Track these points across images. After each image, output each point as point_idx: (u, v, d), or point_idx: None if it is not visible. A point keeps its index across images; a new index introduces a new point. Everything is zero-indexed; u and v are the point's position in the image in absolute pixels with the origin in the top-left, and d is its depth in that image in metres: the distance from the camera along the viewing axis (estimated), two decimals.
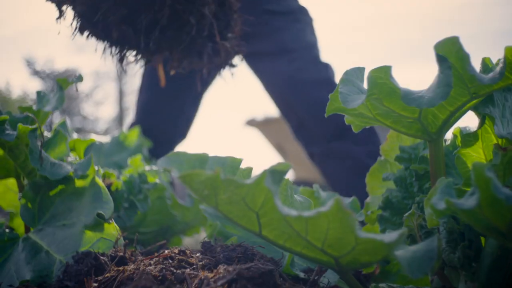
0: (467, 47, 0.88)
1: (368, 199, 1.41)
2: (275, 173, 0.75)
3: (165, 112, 2.85)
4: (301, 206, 1.03)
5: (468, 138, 1.08)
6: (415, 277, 0.71)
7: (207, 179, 0.72)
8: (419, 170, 1.22)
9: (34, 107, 1.58)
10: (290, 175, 10.05)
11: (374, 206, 1.36)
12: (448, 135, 1.23)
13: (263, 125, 8.88)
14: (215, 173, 0.72)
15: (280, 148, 9.33)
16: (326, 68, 2.54)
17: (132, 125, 2.91)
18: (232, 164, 0.90)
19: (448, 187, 0.79)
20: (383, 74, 0.95)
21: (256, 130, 9.08)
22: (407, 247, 0.81)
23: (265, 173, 0.72)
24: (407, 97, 0.92)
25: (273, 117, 8.59)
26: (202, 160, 0.83)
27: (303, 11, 2.62)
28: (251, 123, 8.84)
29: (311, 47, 2.56)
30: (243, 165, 0.98)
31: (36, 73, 25.11)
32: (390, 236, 0.72)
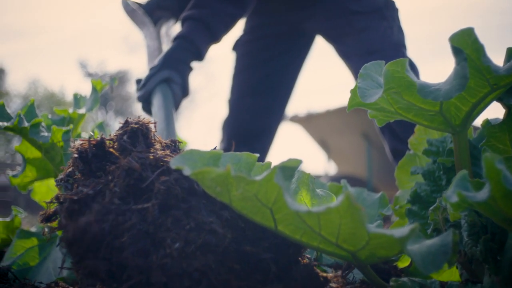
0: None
1: (397, 193, 1.40)
2: (285, 169, 0.76)
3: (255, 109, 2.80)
4: (322, 201, 1.03)
5: (494, 129, 1.07)
6: (428, 273, 0.71)
7: (218, 176, 0.74)
8: (446, 163, 1.20)
9: (70, 110, 1.64)
10: (332, 170, 10.01)
11: (403, 200, 1.34)
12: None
13: (306, 121, 8.85)
14: (226, 170, 0.73)
15: (323, 144, 9.30)
16: (412, 69, 2.44)
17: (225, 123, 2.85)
18: (247, 160, 0.91)
19: (463, 179, 0.78)
20: (399, 67, 0.94)
21: (299, 126, 9.06)
22: (424, 241, 0.80)
23: (275, 169, 0.73)
24: (424, 90, 0.91)
25: (316, 112, 8.55)
26: (216, 157, 0.84)
27: (389, 5, 2.51)
28: (294, 119, 8.83)
29: (398, 46, 2.45)
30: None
31: (89, 75, 25.77)
32: (401, 231, 0.72)
